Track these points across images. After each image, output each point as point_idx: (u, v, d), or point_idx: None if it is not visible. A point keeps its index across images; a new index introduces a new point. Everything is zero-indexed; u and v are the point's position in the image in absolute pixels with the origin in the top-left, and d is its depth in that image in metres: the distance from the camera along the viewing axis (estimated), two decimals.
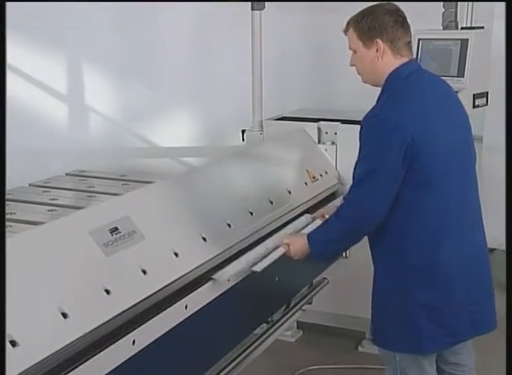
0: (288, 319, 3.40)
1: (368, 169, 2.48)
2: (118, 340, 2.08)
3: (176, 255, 2.42)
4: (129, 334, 2.12)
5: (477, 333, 2.66)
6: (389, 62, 2.56)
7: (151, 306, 2.25)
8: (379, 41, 2.53)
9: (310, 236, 2.71)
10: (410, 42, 2.61)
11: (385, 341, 2.70)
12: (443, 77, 3.13)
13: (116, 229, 2.27)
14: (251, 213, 2.92)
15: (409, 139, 2.42)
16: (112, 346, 2.06)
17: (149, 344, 2.21)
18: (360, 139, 2.52)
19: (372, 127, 2.49)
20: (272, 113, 4.12)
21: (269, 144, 3.74)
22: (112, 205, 2.51)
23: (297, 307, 3.49)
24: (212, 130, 5.22)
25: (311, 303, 3.69)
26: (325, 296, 3.78)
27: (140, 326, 2.17)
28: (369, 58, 2.57)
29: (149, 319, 2.22)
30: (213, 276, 2.52)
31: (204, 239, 2.59)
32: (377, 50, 2.54)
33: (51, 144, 4.64)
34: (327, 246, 2.69)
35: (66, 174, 3.54)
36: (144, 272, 2.25)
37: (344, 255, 3.73)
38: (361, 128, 2.53)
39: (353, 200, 2.57)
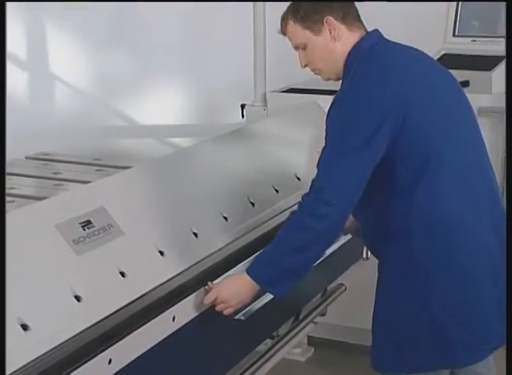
0: (297, 333, 3.40)
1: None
2: (91, 359, 2.06)
3: (162, 253, 2.43)
4: (104, 352, 2.11)
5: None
6: (347, 39, 2.57)
7: (130, 316, 2.24)
8: (330, 17, 2.55)
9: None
10: (359, 15, 2.63)
11: (398, 364, 2.65)
12: (489, 38, 3.08)
13: (89, 222, 2.28)
14: (253, 204, 2.92)
15: (396, 116, 2.41)
16: (84, 365, 2.03)
17: (127, 365, 2.19)
18: (327, 124, 2.52)
19: (344, 108, 2.49)
20: (278, 85, 4.11)
21: (274, 121, 3.73)
22: (84, 193, 2.50)
23: (308, 319, 3.48)
24: (206, 104, 5.23)
25: (324, 315, 3.68)
26: (341, 306, 3.77)
27: (117, 341, 2.16)
28: (324, 44, 2.58)
29: (128, 334, 2.20)
30: None
31: (196, 235, 2.59)
32: (330, 30, 2.56)
33: (7, 121, 4.62)
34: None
35: (26, 158, 3.57)
36: (123, 274, 2.26)
37: (365, 256, 3.71)
38: (328, 114, 2.54)
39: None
